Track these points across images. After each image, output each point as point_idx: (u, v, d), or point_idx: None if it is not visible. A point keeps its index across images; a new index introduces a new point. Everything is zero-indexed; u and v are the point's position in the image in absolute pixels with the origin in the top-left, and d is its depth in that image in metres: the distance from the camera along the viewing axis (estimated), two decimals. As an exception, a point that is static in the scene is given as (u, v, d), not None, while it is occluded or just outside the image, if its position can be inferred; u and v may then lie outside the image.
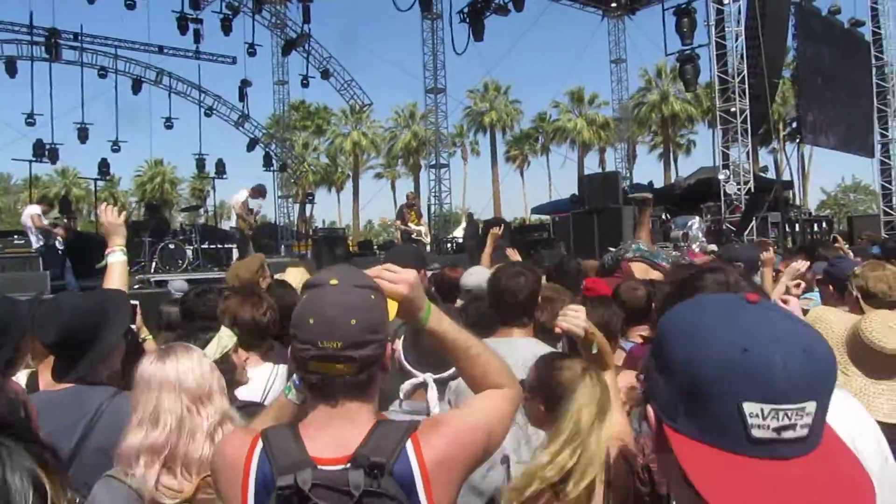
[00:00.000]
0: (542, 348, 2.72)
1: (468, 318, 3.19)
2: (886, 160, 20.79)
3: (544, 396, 2.07)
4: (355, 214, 55.98)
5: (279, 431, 1.52)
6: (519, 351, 2.77)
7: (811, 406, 0.85)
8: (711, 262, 3.85)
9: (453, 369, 2.09)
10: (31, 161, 21.16)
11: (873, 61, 20.40)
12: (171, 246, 14.83)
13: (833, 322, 2.56)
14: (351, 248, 19.96)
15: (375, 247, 21.92)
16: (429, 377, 2.12)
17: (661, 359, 0.96)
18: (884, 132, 20.66)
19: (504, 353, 2.73)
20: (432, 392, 2.06)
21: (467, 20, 22.47)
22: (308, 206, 29.46)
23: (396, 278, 1.61)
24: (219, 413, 2.04)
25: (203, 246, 15.68)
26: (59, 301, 2.52)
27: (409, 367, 2.24)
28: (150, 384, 2.02)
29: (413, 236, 15.33)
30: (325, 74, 26.11)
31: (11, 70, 22.64)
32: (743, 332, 0.89)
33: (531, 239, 18.88)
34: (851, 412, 1.82)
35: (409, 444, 1.47)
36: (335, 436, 1.49)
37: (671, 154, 51.16)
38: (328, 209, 79.93)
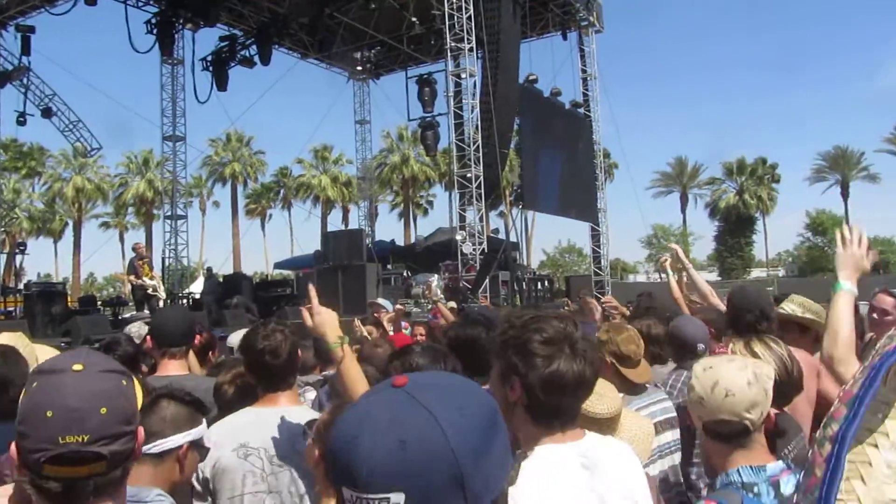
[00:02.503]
0: (313, 415, 2.58)
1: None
2: (596, 227, 23.57)
3: None
4: (76, 267, 50.78)
5: None
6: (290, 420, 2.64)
7: (397, 497, 0.87)
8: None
9: None
10: None
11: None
12: None
13: None
14: (71, 304, 17.90)
15: (99, 303, 19.89)
16: None
17: None
18: (595, 202, 23.46)
19: (274, 426, 2.60)
20: None
21: (211, 69, 21.85)
22: (18, 257, 26.04)
23: None
24: None
25: None
26: None
27: None
28: None
29: (148, 291, 14.22)
30: (47, 113, 23.56)
31: None
32: (357, 419, 0.94)
33: (274, 295, 18.45)
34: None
35: None
36: None
37: (411, 214, 53.51)
38: (43, 260, 71.57)
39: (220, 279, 20.31)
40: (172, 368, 3.43)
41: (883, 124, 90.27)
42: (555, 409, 1.67)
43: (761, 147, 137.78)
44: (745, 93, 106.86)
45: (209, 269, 20.90)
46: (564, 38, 23.03)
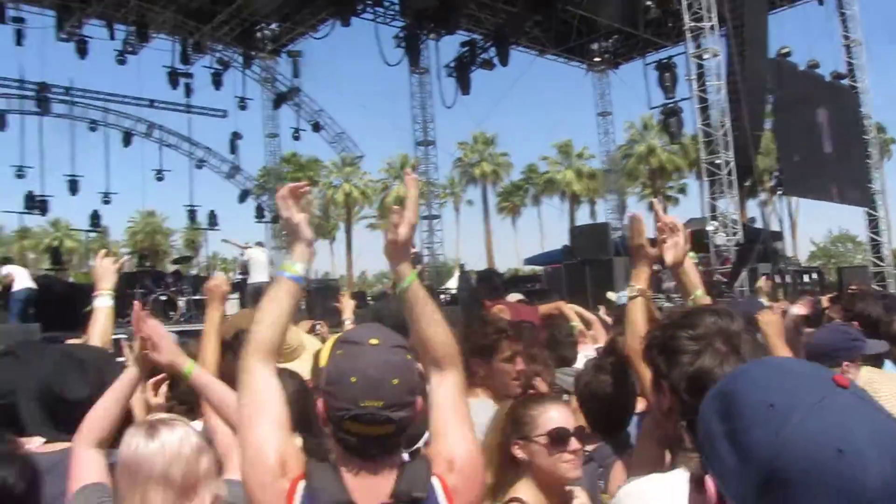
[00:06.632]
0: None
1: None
2: (873, 212, 20.94)
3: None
4: (349, 265, 56.00)
5: (322, 472, 1.51)
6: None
7: None
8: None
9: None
10: (21, 213, 21.45)
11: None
12: (163, 298, 14.89)
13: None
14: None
15: (369, 297, 21.86)
16: None
17: (734, 432, 0.85)
18: (869, 184, 20.88)
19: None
20: None
21: (454, 74, 22.94)
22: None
23: None
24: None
25: (195, 297, 15.65)
26: (81, 355, 2.41)
27: None
28: (136, 476, 1.76)
29: None
30: (316, 127, 26.41)
31: (1, 123, 22.34)
32: (837, 427, 0.79)
33: (524, 290, 18.79)
34: None
35: (434, 479, 1.53)
36: (371, 481, 1.52)
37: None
38: (321, 260, 79.43)
39: (473, 276, 21.24)
40: None
41: None
42: None
43: None
44: None
45: (461, 267, 21.98)
46: (821, 2, 20.82)
